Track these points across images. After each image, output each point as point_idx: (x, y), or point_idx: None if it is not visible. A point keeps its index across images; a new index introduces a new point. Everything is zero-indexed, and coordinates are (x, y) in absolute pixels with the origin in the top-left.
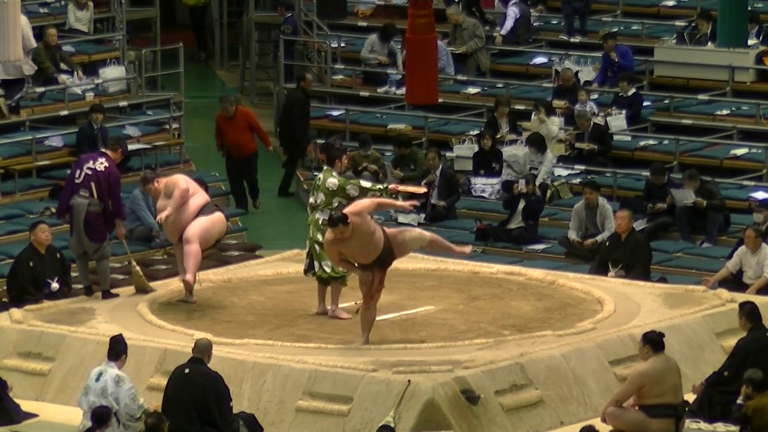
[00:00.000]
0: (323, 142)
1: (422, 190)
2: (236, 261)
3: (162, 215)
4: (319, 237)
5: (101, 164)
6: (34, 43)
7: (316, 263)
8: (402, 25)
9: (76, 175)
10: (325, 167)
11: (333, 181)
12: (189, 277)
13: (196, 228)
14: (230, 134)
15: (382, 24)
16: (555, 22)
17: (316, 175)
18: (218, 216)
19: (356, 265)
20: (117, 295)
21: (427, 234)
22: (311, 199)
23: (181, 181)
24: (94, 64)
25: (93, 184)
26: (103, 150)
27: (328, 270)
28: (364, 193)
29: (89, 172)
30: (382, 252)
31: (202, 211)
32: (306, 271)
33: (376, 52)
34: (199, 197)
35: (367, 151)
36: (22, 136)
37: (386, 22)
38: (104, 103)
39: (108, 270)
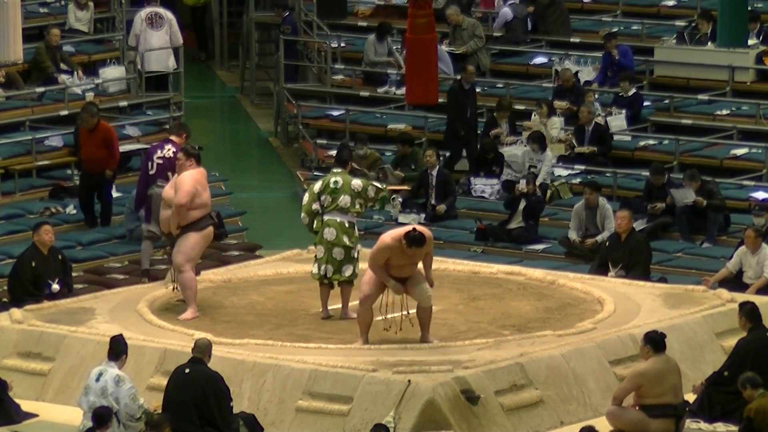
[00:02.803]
0: (340, 143)
1: (406, 187)
2: (236, 261)
3: (172, 229)
4: (345, 240)
5: (169, 151)
6: (180, 40)
7: (330, 266)
8: (402, 25)
9: (149, 167)
10: (338, 170)
11: (358, 182)
12: (188, 315)
13: (186, 252)
14: (86, 147)
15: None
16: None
17: (320, 176)
18: (207, 232)
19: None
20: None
21: (430, 302)
22: (314, 204)
23: (187, 186)
24: (94, 64)
25: (169, 173)
26: (168, 137)
27: (347, 274)
28: (378, 193)
29: (161, 162)
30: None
31: (197, 223)
32: (323, 277)
33: (376, 51)
34: (198, 211)
35: (360, 150)
36: (22, 136)
37: (381, 21)
38: (104, 103)
39: (149, 251)
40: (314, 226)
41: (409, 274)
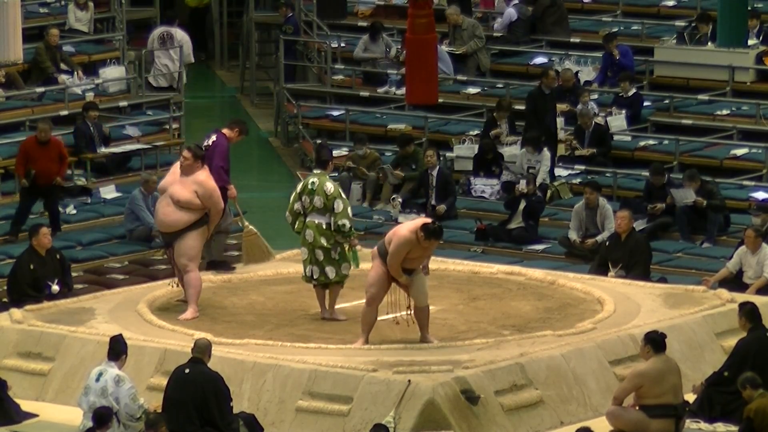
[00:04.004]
0: (318, 143)
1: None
2: (236, 261)
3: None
4: (323, 241)
5: (210, 141)
6: (192, 59)
7: (316, 268)
8: (402, 25)
9: None
10: (319, 170)
11: (330, 186)
12: (189, 315)
13: (191, 253)
14: (40, 161)
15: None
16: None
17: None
18: (204, 229)
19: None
20: (232, 268)
21: (426, 302)
22: (296, 204)
23: (216, 189)
24: (94, 64)
25: (205, 162)
26: (218, 128)
27: (332, 276)
28: (346, 207)
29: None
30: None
31: (198, 222)
32: (310, 279)
33: (369, 50)
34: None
35: (360, 150)
36: (22, 136)
37: (373, 21)
38: (104, 103)
39: (223, 243)
40: (296, 226)
41: (414, 267)
